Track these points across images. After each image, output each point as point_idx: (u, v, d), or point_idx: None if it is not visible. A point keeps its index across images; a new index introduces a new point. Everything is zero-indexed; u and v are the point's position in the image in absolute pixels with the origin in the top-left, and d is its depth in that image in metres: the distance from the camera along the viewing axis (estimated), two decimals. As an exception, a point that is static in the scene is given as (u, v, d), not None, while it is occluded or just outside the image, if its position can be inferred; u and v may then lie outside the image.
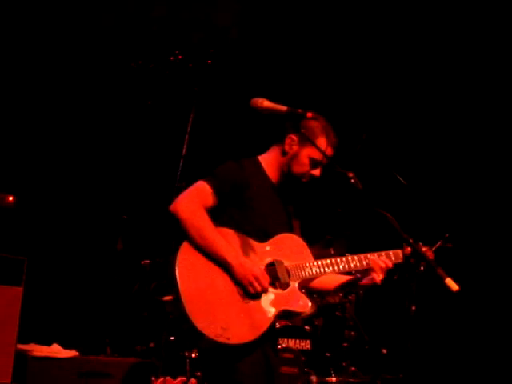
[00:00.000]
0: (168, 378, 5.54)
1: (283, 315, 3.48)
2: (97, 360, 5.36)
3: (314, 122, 3.62)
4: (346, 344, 6.71)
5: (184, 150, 6.09)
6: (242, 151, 3.81)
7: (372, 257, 3.66)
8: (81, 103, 7.34)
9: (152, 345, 6.13)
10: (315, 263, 3.59)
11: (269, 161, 3.73)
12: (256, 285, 3.35)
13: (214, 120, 7.36)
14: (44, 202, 6.92)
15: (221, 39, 7.50)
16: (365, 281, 3.68)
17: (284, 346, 6.17)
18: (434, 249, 3.73)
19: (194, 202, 3.41)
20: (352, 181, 3.30)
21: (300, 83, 7.59)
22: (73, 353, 5.26)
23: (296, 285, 3.52)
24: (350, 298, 6.83)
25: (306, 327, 6.53)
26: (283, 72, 7.68)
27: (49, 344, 5.39)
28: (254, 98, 3.49)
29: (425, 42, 7.47)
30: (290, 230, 3.71)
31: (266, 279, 3.40)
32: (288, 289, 3.49)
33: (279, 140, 3.72)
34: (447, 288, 3.11)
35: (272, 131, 3.79)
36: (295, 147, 3.66)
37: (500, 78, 7.26)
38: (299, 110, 3.47)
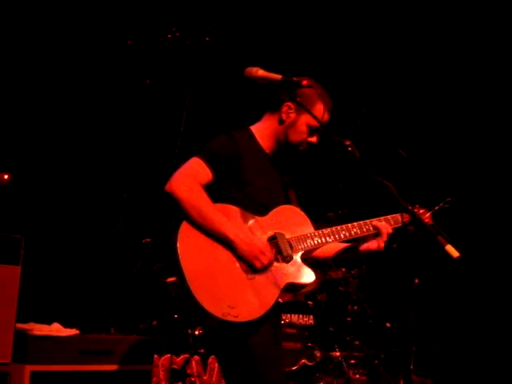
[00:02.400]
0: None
1: (288, 288, 3.43)
2: (98, 338, 5.31)
3: (309, 89, 3.54)
4: (349, 318, 6.71)
5: (182, 127, 6.06)
6: (240, 125, 3.74)
7: (373, 222, 3.61)
8: (78, 82, 7.29)
9: (155, 323, 6.13)
10: (316, 233, 3.55)
11: (263, 130, 3.66)
12: (262, 258, 3.31)
13: (211, 96, 7.31)
14: (41, 180, 6.89)
15: (219, 16, 7.44)
16: (365, 246, 3.62)
17: (287, 321, 6.17)
18: (432, 211, 3.68)
19: (189, 180, 3.34)
20: (349, 149, 3.27)
21: (300, 58, 7.54)
22: (73, 331, 5.23)
23: (299, 256, 3.48)
24: (352, 272, 6.82)
25: (309, 302, 6.53)
26: (280, 45, 7.63)
27: (49, 323, 5.36)
28: (248, 67, 3.44)
29: (425, 20, 7.43)
30: (288, 201, 3.67)
31: (270, 252, 3.37)
32: (291, 261, 3.44)
33: (274, 108, 3.64)
34: (448, 255, 3.08)
35: (265, 100, 3.71)
36: (292, 115, 3.58)
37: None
38: (294, 78, 3.43)
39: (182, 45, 6.52)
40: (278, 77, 3.42)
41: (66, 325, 5.40)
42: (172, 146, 5.96)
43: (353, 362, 6.54)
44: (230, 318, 3.21)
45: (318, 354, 6.14)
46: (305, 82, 3.42)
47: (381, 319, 6.80)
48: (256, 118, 3.76)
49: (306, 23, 7.65)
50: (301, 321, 6.33)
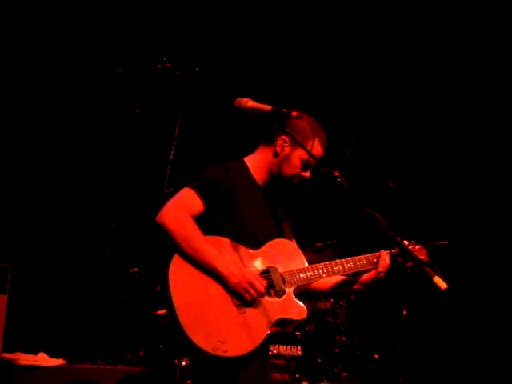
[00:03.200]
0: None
1: (279, 323, 3.40)
2: (84, 369, 5.29)
3: (303, 122, 3.54)
4: (337, 349, 6.67)
5: (171, 156, 6.06)
6: (229, 155, 3.74)
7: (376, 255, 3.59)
8: (69, 111, 7.30)
9: (142, 353, 6.08)
10: (309, 268, 3.52)
11: (256, 162, 3.64)
12: (252, 291, 3.28)
13: (201, 125, 7.33)
14: (30, 209, 6.88)
15: (209, 47, 7.48)
16: (364, 278, 3.61)
17: (275, 352, 6.13)
18: (427, 247, 3.68)
19: (180, 211, 3.33)
20: (338, 180, 3.27)
21: (288, 89, 7.58)
22: (60, 361, 5.20)
23: (291, 291, 3.44)
24: (341, 303, 6.80)
25: (297, 333, 6.49)
26: (270, 77, 7.67)
27: (35, 353, 5.33)
28: (238, 98, 3.45)
29: (412, 48, 7.49)
30: (280, 234, 3.63)
31: (261, 283, 3.33)
32: (283, 296, 3.41)
33: (269, 140, 3.63)
34: (435, 287, 3.08)
35: (258, 132, 3.72)
36: (287, 149, 3.57)
37: (483, 83, 7.30)
38: (284, 110, 3.43)
39: (172, 75, 6.54)
40: (268, 108, 3.43)
41: (52, 355, 5.36)
42: (161, 176, 5.96)
43: (341, 393, 6.51)
44: (220, 353, 3.18)
45: (306, 385, 6.11)
46: (294, 114, 3.42)
47: (369, 350, 6.78)
48: (247, 149, 3.76)
49: (294, 54, 7.70)
50: (288, 352, 6.29)
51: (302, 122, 3.54)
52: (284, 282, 3.43)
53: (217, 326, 3.22)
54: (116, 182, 7.39)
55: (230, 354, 3.20)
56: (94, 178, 7.34)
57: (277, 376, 6.01)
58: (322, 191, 6.69)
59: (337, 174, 3.27)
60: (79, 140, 7.34)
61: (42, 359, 5.19)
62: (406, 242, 3.61)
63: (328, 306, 6.84)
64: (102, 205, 7.29)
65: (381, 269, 3.54)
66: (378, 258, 3.57)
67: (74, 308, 6.86)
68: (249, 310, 3.30)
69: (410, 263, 3.40)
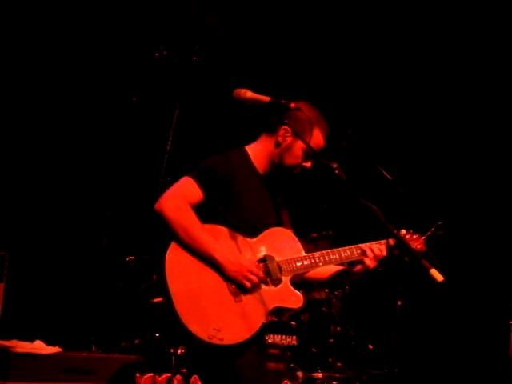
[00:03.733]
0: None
1: (275, 311, 3.43)
2: (80, 356, 5.28)
3: (303, 113, 3.54)
4: (332, 340, 6.70)
5: (169, 146, 6.07)
6: (226, 146, 3.75)
7: (367, 245, 3.61)
8: (65, 99, 7.29)
9: (137, 341, 6.09)
10: (306, 257, 3.54)
11: (258, 151, 3.65)
12: (251, 277, 3.31)
13: (198, 115, 7.33)
14: (26, 197, 6.88)
15: (207, 36, 7.47)
16: (357, 268, 3.63)
17: (270, 341, 6.16)
18: (425, 237, 3.70)
19: (179, 200, 3.34)
20: (336, 172, 3.28)
21: (286, 79, 7.58)
22: (56, 349, 5.20)
23: (288, 280, 3.46)
24: (336, 293, 6.82)
25: (292, 323, 6.51)
26: (269, 67, 7.66)
27: (31, 340, 5.33)
28: (236, 89, 3.46)
29: (405, 39, 7.49)
30: (279, 223, 3.65)
31: (259, 270, 3.36)
32: (280, 285, 3.43)
33: (271, 130, 3.63)
34: (432, 279, 3.09)
35: (260, 121, 3.72)
36: (289, 139, 3.57)
37: (477, 74, 7.33)
38: (282, 101, 3.44)
39: (170, 63, 6.53)
40: (267, 99, 3.43)
41: (49, 342, 5.37)
42: (158, 165, 5.96)
43: (335, 383, 6.53)
44: (216, 341, 3.21)
45: (301, 375, 6.12)
46: (293, 105, 3.43)
47: (363, 341, 6.80)
48: (245, 139, 3.76)
49: (292, 45, 7.69)
50: (284, 341, 6.31)
51: (302, 112, 3.54)
52: (281, 271, 3.45)
53: (213, 314, 3.24)
54: (112, 171, 7.39)
55: (225, 341, 3.22)
56: (90, 167, 7.34)
57: (272, 365, 6.03)
58: (318, 182, 6.70)
59: (335, 165, 3.28)
60: (75, 129, 7.34)
61: (39, 347, 5.19)
62: (403, 231, 3.65)
63: (323, 296, 6.86)
64: (98, 193, 7.28)
65: (367, 262, 3.56)
66: (365, 251, 3.59)
67: (71, 296, 6.87)
68: (245, 299, 3.32)
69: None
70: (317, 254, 3.56)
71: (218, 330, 3.21)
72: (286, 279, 3.45)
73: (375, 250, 3.57)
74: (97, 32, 7.24)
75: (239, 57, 7.70)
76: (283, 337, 6.32)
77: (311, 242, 6.66)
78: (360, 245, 3.63)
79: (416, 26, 7.39)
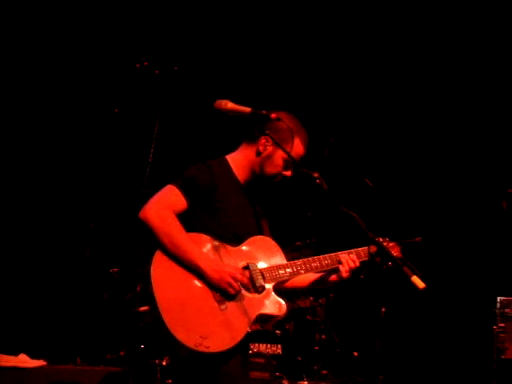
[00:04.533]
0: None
1: (259, 319, 3.45)
2: (65, 369, 5.29)
3: (283, 123, 3.59)
4: (317, 347, 6.71)
5: (150, 157, 6.07)
6: (208, 156, 3.77)
7: (342, 254, 3.64)
8: (48, 111, 7.28)
9: (122, 353, 6.08)
10: (288, 264, 3.58)
11: (239, 160, 3.68)
12: (235, 284, 3.34)
13: (180, 126, 7.33)
14: (9, 209, 6.85)
15: (188, 46, 7.48)
16: (332, 278, 3.67)
17: (255, 350, 6.16)
18: (401, 244, 3.74)
19: (163, 208, 3.36)
20: (317, 181, 3.31)
21: (267, 89, 7.60)
22: (40, 362, 5.19)
23: (271, 287, 3.49)
24: (320, 301, 6.84)
25: (277, 332, 6.52)
26: (249, 77, 7.68)
27: (16, 354, 5.31)
28: (217, 100, 3.48)
29: (388, 47, 7.54)
30: (260, 231, 3.69)
31: (243, 276, 3.39)
32: (263, 292, 3.46)
33: (251, 139, 3.66)
34: (414, 286, 3.12)
35: (241, 131, 3.74)
36: (270, 148, 3.61)
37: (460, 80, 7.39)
38: (263, 112, 3.48)
39: (151, 74, 6.54)
40: (247, 109, 3.46)
41: (33, 355, 5.35)
42: (140, 176, 5.96)
43: (320, 391, 6.55)
44: (202, 349, 3.22)
45: (286, 384, 6.14)
46: (273, 116, 3.47)
47: (348, 348, 6.81)
48: (226, 149, 3.79)
49: (273, 55, 7.72)
50: (268, 350, 6.31)
51: (282, 122, 3.58)
52: (264, 278, 3.48)
53: (199, 322, 3.26)
54: (95, 183, 7.38)
55: (211, 349, 3.24)
56: (72, 179, 7.32)
57: (257, 374, 6.04)
58: (301, 191, 6.72)
59: (316, 175, 3.31)
60: (58, 139, 7.32)
61: (23, 360, 5.18)
62: (380, 239, 3.69)
63: (307, 304, 6.88)
64: (81, 205, 7.26)
65: (343, 272, 3.61)
66: (340, 260, 3.63)
67: (54, 309, 6.84)
68: (230, 306, 3.34)
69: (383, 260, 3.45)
70: (298, 262, 3.60)
71: (204, 338, 3.23)
72: (269, 286, 3.48)
73: (350, 262, 3.61)
74: (78, 43, 7.22)
75: (220, 67, 7.71)
76: (268, 346, 6.32)
77: (296, 251, 6.68)
78: (339, 253, 3.66)
79: (394, 35, 7.43)
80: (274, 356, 6.24)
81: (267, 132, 3.53)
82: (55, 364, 5.40)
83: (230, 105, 3.46)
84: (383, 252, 3.21)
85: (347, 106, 7.82)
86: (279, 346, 6.37)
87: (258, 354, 6.12)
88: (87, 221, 6.88)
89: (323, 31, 7.59)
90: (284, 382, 6.12)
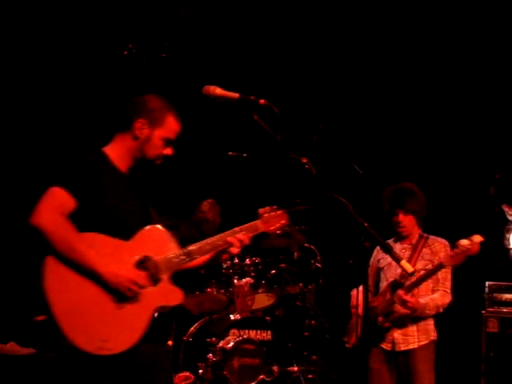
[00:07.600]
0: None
1: (160, 309, 3.46)
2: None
3: (154, 102, 3.59)
4: (306, 333, 6.74)
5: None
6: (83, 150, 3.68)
7: (230, 237, 3.63)
8: (26, 101, 7.21)
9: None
10: (182, 252, 3.54)
11: (117, 150, 3.59)
12: (134, 287, 3.31)
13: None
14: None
15: (176, 33, 7.46)
16: (225, 256, 3.70)
17: (245, 337, 6.18)
18: (289, 212, 3.84)
19: (54, 212, 3.23)
20: (306, 167, 3.30)
21: (255, 76, 7.59)
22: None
23: (167, 277, 3.48)
24: (309, 287, 6.86)
25: (267, 318, 6.55)
26: (237, 64, 7.67)
27: (4, 343, 5.30)
28: (206, 86, 3.47)
29: (377, 33, 7.55)
30: (149, 220, 3.61)
31: (142, 278, 3.36)
32: (160, 283, 3.44)
33: (124, 127, 3.59)
34: (402, 270, 3.14)
35: (113, 122, 3.65)
36: (146, 131, 3.56)
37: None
38: (252, 97, 3.46)
39: (138, 61, 6.52)
40: (236, 95, 3.44)
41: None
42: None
43: (310, 376, 6.57)
44: (105, 352, 3.20)
45: (276, 370, 6.14)
46: (262, 101, 3.45)
47: (338, 334, 6.84)
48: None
49: (262, 40, 7.71)
50: (258, 336, 6.33)
51: (153, 102, 3.59)
52: (159, 270, 3.45)
53: (98, 326, 3.22)
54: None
55: (115, 350, 3.22)
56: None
57: (247, 361, 6.06)
58: (290, 177, 6.72)
59: (304, 160, 3.30)
60: (43, 129, 7.27)
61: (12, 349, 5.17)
62: (267, 208, 3.79)
63: (297, 290, 6.90)
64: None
65: (233, 251, 3.64)
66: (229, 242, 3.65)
67: None
68: (128, 304, 3.31)
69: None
70: (192, 247, 3.57)
71: (105, 341, 3.20)
72: (165, 276, 3.47)
73: (238, 242, 3.63)
74: (65, 30, 7.17)
75: (208, 54, 7.69)
76: (258, 332, 6.34)
77: (285, 237, 6.71)
78: (228, 233, 3.65)
79: (382, 24, 7.45)
80: (263, 342, 6.26)
81: (140, 114, 3.53)
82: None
83: (218, 90, 3.43)
84: (372, 237, 3.21)
85: (336, 93, 7.82)
86: (269, 332, 6.39)
87: (248, 341, 6.14)
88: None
89: (311, 17, 7.58)
90: (274, 367, 6.14)
